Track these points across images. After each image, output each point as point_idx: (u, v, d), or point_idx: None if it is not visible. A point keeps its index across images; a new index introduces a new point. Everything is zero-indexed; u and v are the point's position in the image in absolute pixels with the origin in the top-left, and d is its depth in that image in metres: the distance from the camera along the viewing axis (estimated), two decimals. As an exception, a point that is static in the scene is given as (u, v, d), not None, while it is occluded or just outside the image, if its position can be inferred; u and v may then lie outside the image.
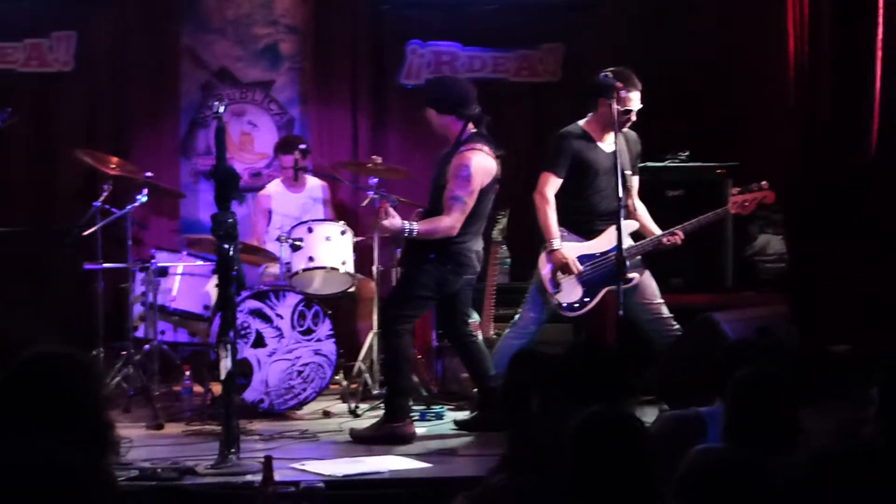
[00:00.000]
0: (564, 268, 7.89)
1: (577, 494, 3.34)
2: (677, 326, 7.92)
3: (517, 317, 8.14)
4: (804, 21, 8.78)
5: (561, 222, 7.93)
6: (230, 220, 6.73)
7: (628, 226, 7.81)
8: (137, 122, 10.30)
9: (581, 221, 7.98)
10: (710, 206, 8.11)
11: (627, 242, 7.66)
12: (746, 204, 7.99)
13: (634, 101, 7.84)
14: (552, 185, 7.93)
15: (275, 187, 9.84)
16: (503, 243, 8.97)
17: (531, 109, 10.64)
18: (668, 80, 9.96)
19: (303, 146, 9.59)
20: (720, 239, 9.04)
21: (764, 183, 7.96)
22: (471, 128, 7.65)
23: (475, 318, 8.50)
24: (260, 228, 9.70)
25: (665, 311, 7.98)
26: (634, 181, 8.13)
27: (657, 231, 8.01)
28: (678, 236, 7.92)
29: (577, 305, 7.97)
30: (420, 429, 7.80)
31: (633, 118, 7.90)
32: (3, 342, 8.69)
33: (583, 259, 7.91)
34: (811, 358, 8.03)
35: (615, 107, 7.47)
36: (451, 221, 7.50)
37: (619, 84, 7.56)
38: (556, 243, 7.88)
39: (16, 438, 3.19)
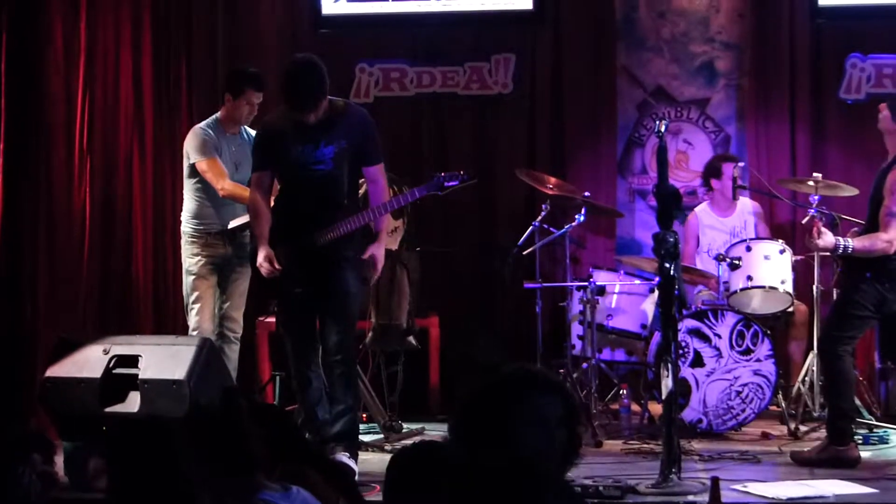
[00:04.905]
0: None
1: None
2: None
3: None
4: None
5: None
6: (672, 239, 6.76)
7: None
8: (575, 142, 10.41)
9: None
10: None
11: None
12: None
13: None
14: None
15: (702, 210, 9.71)
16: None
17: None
18: None
19: (738, 164, 9.52)
20: None
21: None
22: None
23: (920, 340, 8.20)
24: (689, 250, 9.56)
25: None
26: None
27: None
28: None
29: None
30: (864, 453, 7.60)
31: None
32: (453, 356, 9.10)
33: None
34: None
35: None
36: (888, 238, 7.31)
37: None
38: None
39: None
